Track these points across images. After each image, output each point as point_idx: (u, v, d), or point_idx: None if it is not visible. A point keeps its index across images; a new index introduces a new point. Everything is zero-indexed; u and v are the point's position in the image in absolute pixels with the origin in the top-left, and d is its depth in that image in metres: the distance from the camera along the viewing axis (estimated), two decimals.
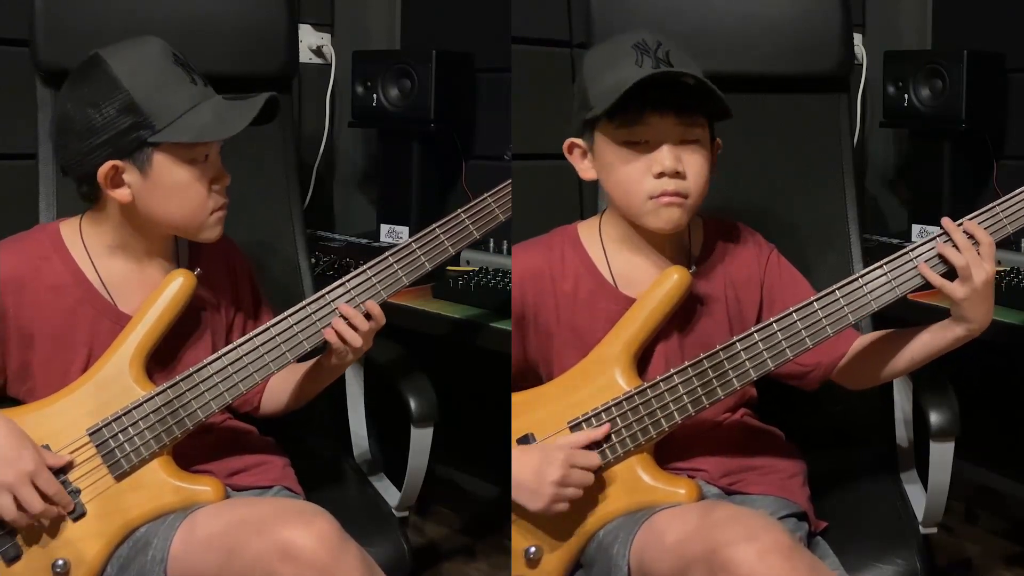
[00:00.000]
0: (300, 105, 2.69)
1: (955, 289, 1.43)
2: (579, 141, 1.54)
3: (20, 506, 1.41)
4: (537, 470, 1.45)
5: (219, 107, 1.49)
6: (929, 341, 1.51)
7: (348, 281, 1.55)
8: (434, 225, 1.60)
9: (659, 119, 1.45)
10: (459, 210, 1.61)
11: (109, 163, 1.47)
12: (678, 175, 1.47)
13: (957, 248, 1.43)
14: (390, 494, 1.84)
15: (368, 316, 1.54)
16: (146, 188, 1.49)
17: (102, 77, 1.45)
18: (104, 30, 1.86)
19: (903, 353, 1.54)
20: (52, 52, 1.85)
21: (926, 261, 1.45)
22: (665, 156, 1.46)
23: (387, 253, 1.57)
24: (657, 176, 1.46)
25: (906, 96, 2.55)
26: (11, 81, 2.01)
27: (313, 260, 2.16)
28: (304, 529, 1.38)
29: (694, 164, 1.48)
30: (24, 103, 1.90)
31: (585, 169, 1.55)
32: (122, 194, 1.49)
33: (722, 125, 1.53)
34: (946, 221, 1.45)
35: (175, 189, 1.49)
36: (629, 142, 1.47)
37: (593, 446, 1.48)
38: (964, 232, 1.44)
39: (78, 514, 1.46)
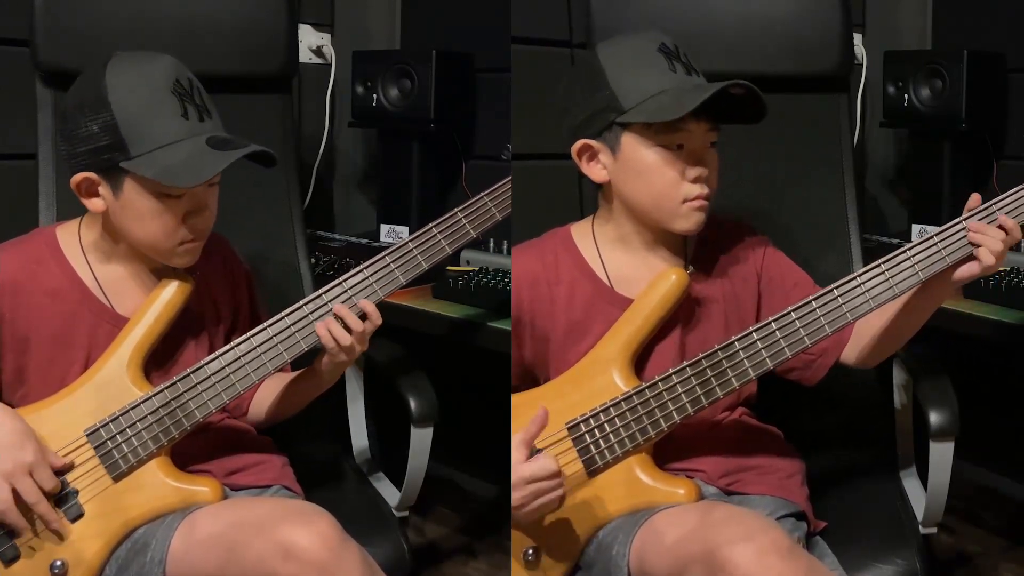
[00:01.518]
0: (300, 105, 2.69)
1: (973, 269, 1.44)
2: (594, 143, 1.53)
3: (17, 498, 1.41)
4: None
5: (198, 149, 1.44)
6: (925, 303, 1.51)
7: (345, 281, 1.54)
8: (431, 225, 1.59)
9: (696, 125, 1.48)
10: (456, 209, 1.61)
11: (83, 175, 1.47)
12: (707, 179, 1.50)
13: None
14: (390, 494, 1.84)
15: (364, 316, 1.54)
16: (117, 206, 1.48)
17: (96, 89, 1.44)
18: (104, 30, 1.87)
19: (904, 322, 1.54)
20: (52, 52, 1.85)
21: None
22: (703, 161, 1.50)
23: (384, 253, 1.56)
24: (693, 181, 1.49)
25: (906, 96, 2.55)
26: (11, 81, 2.00)
27: (313, 260, 2.16)
28: (305, 529, 1.38)
29: (714, 166, 1.52)
30: (24, 103, 1.90)
31: (596, 171, 1.54)
32: (95, 204, 1.49)
33: (724, 125, 1.53)
34: (975, 223, 1.44)
35: (142, 215, 1.47)
36: (663, 145, 1.48)
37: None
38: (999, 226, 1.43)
39: (76, 515, 1.46)
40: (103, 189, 1.47)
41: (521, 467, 1.41)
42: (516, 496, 1.42)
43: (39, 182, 1.86)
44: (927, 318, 1.54)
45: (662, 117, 1.45)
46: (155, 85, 1.44)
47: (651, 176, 1.50)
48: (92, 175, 1.46)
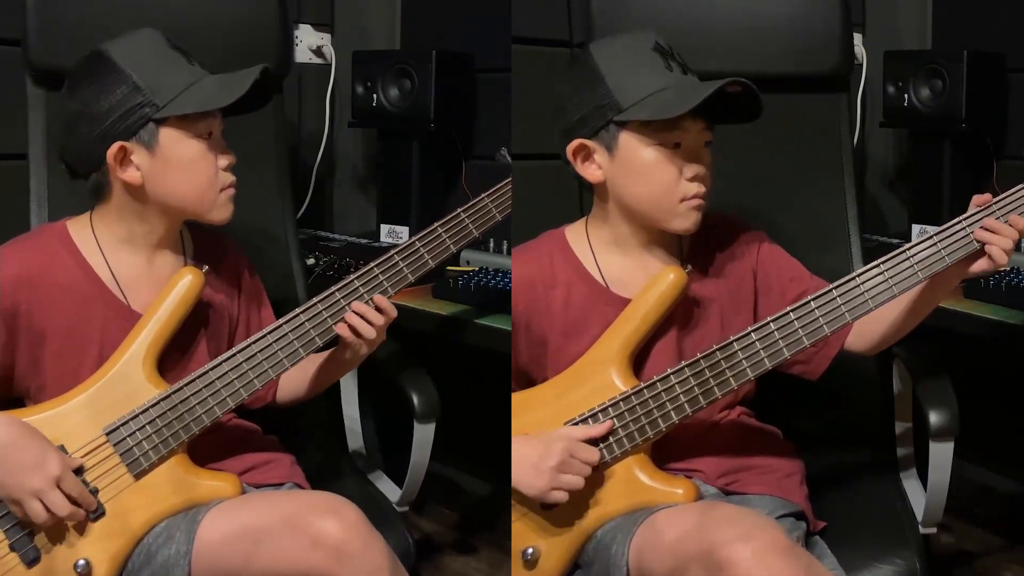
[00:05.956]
0: (300, 105, 2.69)
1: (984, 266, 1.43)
2: (590, 142, 1.52)
3: (47, 509, 1.42)
4: (537, 457, 1.46)
5: (217, 81, 1.51)
6: (931, 295, 1.50)
7: (356, 279, 1.57)
8: (436, 224, 1.62)
9: (693, 123, 1.48)
10: (459, 209, 1.63)
11: (117, 144, 1.48)
12: (703, 178, 1.50)
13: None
14: (389, 490, 1.84)
15: (379, 310, 1.55)
16: (155, 167, 1.50)
17: (106, 67, 1.48)
18: (97, 29, 1.85)
19: (907, 309, 1.53)
20: (44, 51, 1.84)
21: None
22: (700, 160, 1.50)
23: (392, 251, 1.59)
24: (691, 179, 1.49)
25: (906, 96, 2.54)
26: (2, 80, 2.00)
27: (313, 260, 2.16)
28: (335, 518, 1.40)
29: (709, 165, 1.52)
30: (15, 102, 1.89)
31: (591, 172, 1.54)
32: (132, 175, 1.50)
33: (722, 125, 1.53)
34: (989, 221, 1.43)
35: (183, 166, 1.50)
36: (661, 144, 1.48)
37: (592, 443, 1.48)
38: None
39: (98, 514, 1.46)
40: (137, 156, 1.49)
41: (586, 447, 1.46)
42: (556, 460, 1.44)
43: (30, 182, 1.85)
44: (931, 310, 1.53)
45: (665, 114, 1.45)
46: (153, 46, 1.52)
47: (649, 175, 1.50)
48: (125, 143, 1.48)
